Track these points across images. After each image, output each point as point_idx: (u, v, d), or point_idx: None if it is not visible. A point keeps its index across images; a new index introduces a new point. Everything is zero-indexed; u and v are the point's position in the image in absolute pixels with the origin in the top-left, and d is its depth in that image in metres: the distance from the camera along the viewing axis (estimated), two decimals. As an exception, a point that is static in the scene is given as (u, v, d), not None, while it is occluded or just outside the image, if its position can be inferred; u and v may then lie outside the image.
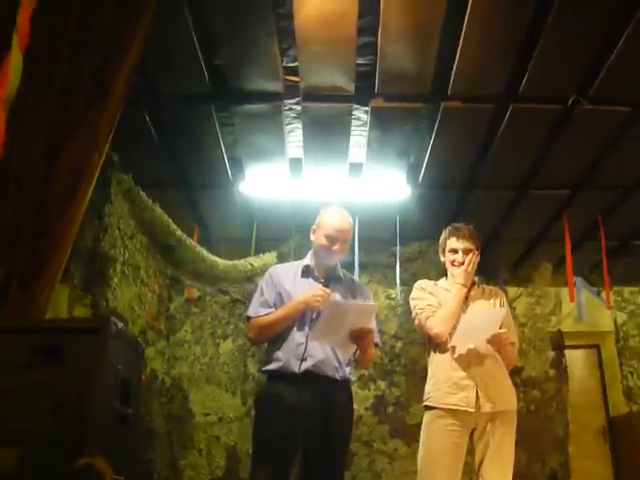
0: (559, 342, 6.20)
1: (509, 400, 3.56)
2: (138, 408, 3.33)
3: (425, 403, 3.61)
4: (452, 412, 3.47)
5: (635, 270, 7.17)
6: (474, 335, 3.48)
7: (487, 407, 3.46)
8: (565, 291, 6.37)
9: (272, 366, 3.24)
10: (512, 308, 4.76)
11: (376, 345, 3.40)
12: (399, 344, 5.65)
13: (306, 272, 3.40)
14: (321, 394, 3.16)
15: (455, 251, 3.68)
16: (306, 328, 3.19)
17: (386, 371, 5.71)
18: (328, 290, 3.19)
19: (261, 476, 3.09)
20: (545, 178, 5.78)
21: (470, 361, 3.51)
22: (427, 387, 3.65)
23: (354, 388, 5.64)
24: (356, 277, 3.56)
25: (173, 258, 5.17)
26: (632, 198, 6.14)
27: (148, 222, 4.88)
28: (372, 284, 5.96)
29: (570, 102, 4.70)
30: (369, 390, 5.68)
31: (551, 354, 6.06)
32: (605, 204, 6.32)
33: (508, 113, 4.86)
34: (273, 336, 3.28)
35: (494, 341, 3.48)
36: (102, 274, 4.35)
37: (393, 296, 5.92)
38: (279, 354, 3.22)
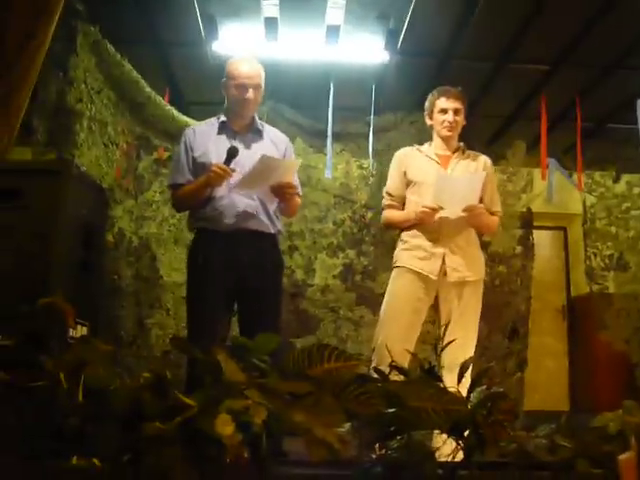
0: (528, 220, 6.22)
1: (476, 269, 3.61)
2: (102, 255, 3.31)
3: (394, 264, 3.65)
4: (417, 273, 3.52)
5: (607, 153, 7.14)
6: (450, 202, 3.46)
7: (453, 276, 3.51)
8: (537, 171, 6.37)
9: (200, 223, 3.23)
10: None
11: (297, 195, 3.40)
12: (369, 214, 5.64)
13: (222, 128, 3.33)
14: (250, 248, 3.16)
15: (445, 111, 3.64)
16: (230, 185, 3.14)
17: (355, 240, 5.71)
18: (224, 166, 3.08)
19: (197, 334, 3.08)
20: (525, 52, 5.65)
21: (442, 229, 3.53)
22: (397, 250, 3.68)
23: (322, 256, 5.71)
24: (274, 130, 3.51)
25: (142, 116, 5.01)
26: (610, 79, 6.05)
27: (116, 77, 4.70)
28: (345, 153, 5.87)
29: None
30: (337, 258, 5.70)
31: (519, 232, 6.08)
32: (583, 84, 6.23)
33: (493, -21, 4.70)
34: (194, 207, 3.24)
35: (468, 212, 3.48)
36: (67, 129, 4.22)
37: (365, 166, 5.84)
38: (206, 211, 3.18)
